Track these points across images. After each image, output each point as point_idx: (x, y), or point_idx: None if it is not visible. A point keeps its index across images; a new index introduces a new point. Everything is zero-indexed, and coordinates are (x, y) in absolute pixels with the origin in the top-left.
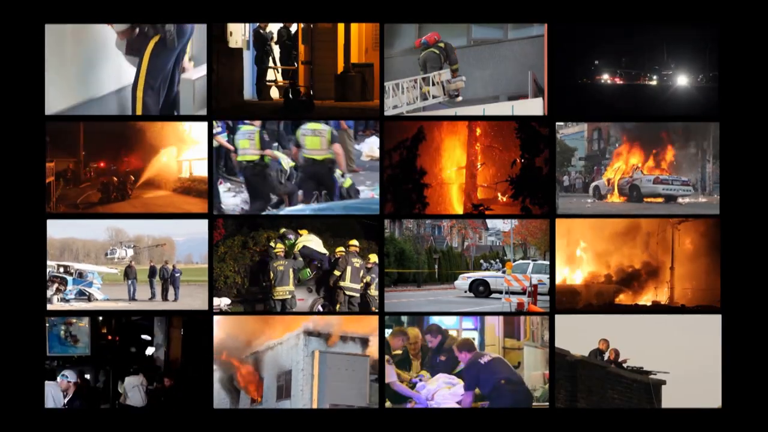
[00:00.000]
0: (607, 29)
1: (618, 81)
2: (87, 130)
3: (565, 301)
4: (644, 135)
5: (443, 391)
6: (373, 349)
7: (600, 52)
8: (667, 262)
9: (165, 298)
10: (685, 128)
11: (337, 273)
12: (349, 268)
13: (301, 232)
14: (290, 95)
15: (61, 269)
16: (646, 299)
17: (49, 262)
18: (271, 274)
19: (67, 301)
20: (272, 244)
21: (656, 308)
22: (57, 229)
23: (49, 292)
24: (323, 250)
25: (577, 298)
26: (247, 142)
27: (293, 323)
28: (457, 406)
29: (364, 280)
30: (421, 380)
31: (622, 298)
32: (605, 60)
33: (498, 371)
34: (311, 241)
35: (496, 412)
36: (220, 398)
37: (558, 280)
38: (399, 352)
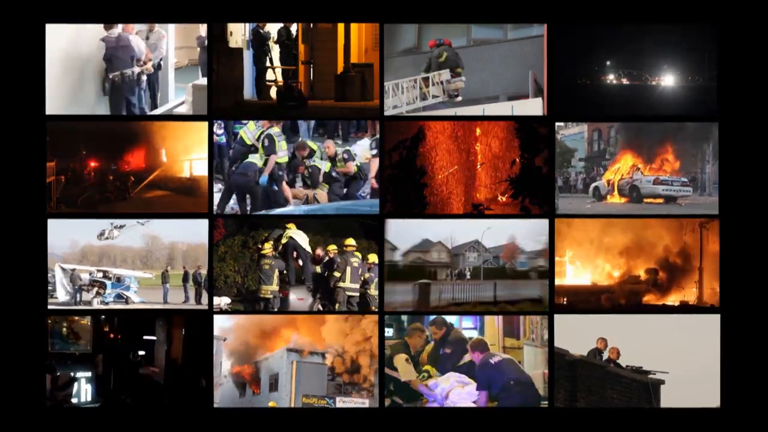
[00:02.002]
0: (607, 29)
1: (618, 81)
2: (87, 130)
3: (594, 301)
4: (644, 136)
5: (457, 390)
6: (330, 359)
7: (600, 52)
8: (695, 261)
9: (198, 302)
10: (686, 129)
11: (336, 274)
12: (348, 269)
13: (288, 225)
14: (283, 91)
15: (101, 274)
16: (673, 300)
17: (88, 268)
18: (258, 272)
19: (107, 303)
20: (260, 242)
21: (657, 308)
22: (96, 237)
23: (90, 296)
24: (308, 248)
25: (603, 297)
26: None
27: (282, 341)
28: (473, 405)
29: (363, 277)
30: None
31: (650, 299)
32: (605, 60)
33: (507, 372)
34: (299, 234)
35: (495, 412)
36: (233, 391)
37: (588, 281)
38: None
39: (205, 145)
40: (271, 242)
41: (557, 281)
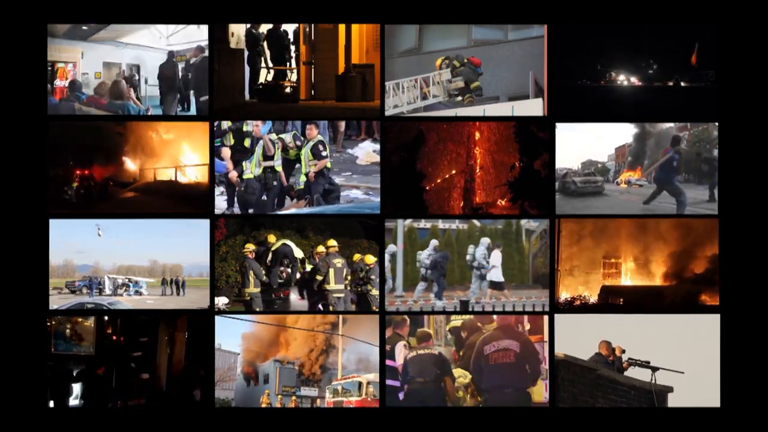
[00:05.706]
0: (607, 30)
1: (618, 82)
2: (88, 131)
3: (652, 301)
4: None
5: None
6: (297, 365)
7: (600, 52)
8: None
9: (177, 294)
10: None
11: (319, 277)
12: (331, 270)
13: (284, 240)
14: (275, 91)
15: (127, 279)
16: None
17: (122, 277)
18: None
19: (130, 295)
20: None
21: (657, 308)
22: (124, 259)
23: (122, 291)
24: (299, 255)
25: (661, 298)
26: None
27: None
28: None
29: (348, 278)
30: None
31: (705, 299)
32: (605, 61)
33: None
34: (291, 242)
35: (494, 412)
36: (242, 383)
37: (651, 281)
38: None
39: (205, 146)
40: (253, 243)
41: (610, 282)
